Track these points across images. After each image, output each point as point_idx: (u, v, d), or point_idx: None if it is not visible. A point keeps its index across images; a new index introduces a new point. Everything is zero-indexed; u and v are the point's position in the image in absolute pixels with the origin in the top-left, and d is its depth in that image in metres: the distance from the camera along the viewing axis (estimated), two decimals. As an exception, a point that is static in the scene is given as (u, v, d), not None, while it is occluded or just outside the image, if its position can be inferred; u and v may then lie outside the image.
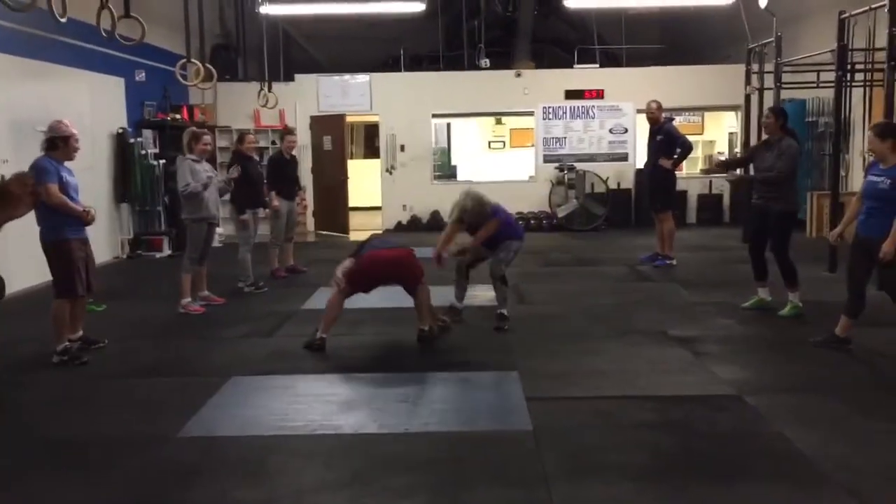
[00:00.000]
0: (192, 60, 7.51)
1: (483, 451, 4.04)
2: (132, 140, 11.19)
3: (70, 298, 5.79)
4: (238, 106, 13.95)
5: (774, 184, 6.74)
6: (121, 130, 11.07)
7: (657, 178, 9.61)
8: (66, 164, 5.86)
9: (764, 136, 7.30)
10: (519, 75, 14.42)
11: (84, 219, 5.78)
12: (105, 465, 3.94)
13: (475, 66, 14.64)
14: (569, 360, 5.71)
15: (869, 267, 5.59)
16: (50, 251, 5.74)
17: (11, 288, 7.68)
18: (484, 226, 6.83)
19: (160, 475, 3.82)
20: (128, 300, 8.14)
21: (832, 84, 9.07)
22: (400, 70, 15.01)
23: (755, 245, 7.06)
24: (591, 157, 14.41)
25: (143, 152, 11.35)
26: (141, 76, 11.60)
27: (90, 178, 9.26)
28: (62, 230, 5.70)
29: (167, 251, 11.33)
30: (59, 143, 5.79)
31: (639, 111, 14.21)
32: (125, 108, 11.30)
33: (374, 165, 15.25)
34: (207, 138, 7.69)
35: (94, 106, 10.15)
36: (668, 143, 9.47)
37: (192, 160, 7.44)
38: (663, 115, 9.75)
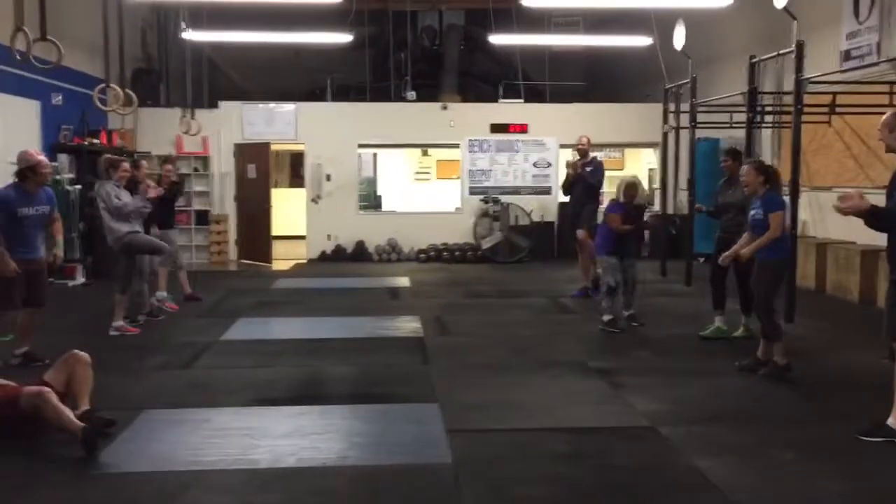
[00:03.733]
0: (112, 85, 7.37)
1: (402, 485, 4.01)
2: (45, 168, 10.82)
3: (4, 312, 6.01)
4: (159, 132, 13.69)
5: (737, 213, 7.12)
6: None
7: (582, 204, 9.80)
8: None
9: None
10: (445, 108, 14.57)
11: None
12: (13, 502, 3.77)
13: (402, 98, 14.75)
14: (489, 391, 5.73)
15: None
16: None
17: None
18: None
19: (65, 514, 3.68)
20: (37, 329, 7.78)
21: (744, 125, 9.45)
22: (327, 100, 15.01)
23: (716, 275, 7.35)
24: (516, 190, 14.62)
25: (58, 177, 11.00)
26: (58, 99, 11.29)
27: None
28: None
29: (81, 279, 10.98)
30: (27, 173, 6.00)
31: (562, 146, 14.57)
32: (39, 132, 10.96)
33: (300, 194, 15.14)
34: (126, 165, 7.56)
35: (6, 129, 9.82)
36: (593, 174, 9.68)
37: (115, 184, 7.35)
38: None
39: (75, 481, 4.02)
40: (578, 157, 9.86)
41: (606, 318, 7.74)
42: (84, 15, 8.75)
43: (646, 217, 8.61)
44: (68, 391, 4.73)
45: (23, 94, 10.24)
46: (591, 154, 9.99)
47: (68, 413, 4.43)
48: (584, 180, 9.70)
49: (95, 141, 12.09)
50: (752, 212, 6.21)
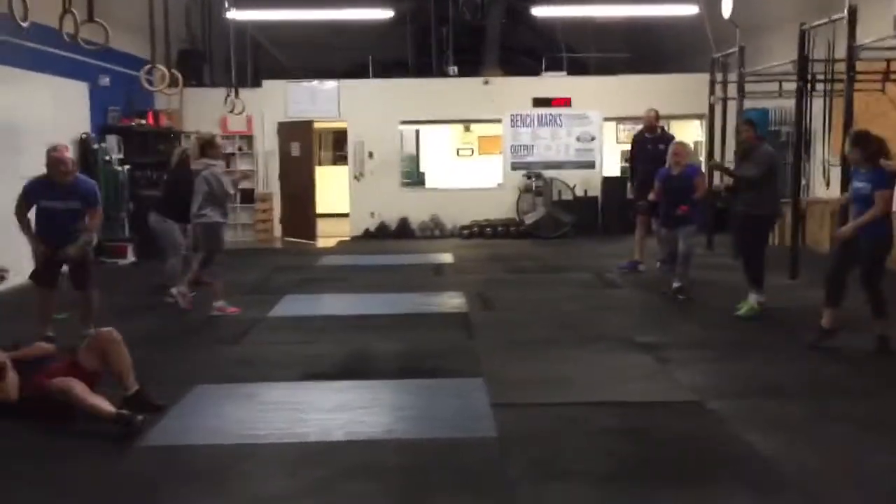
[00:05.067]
0: (158, 66, 7.45)
1: (448, 459, 4.04)
2: (96, 146, 11.04)
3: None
4: (205, 111, 13.82)
5: (751, 188, 6.94)
6: (84, 136, 10.92)
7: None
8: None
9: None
10: (487, 83, 14.47)
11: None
12: (64, 475, 3.88)
13: (443, 74, 14.68)
14: (534, 366, 5.74)
15: (850, 263, 5.90)
16: None
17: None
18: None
19: (121, 486, 3.79)
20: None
21: (794, 94, 9.23)
22: (368, 77, 15.01)
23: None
24: (559, 165, 14.50)
25: (107, 158, 11.21)
26: (105, 81, 11.45)
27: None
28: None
29: (131, 258, 11.20)
30: (49, 168, 6.19)
31: (606, 119, 14.39)
32: (89, 114, 11.15)
33: (343, 172, 15.21)
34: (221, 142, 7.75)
35: (56, 111, 10.00)
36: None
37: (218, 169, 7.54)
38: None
39: (130, 454, 4.13)
40: (643, 130, 9.77)
41: (675, 284, 7.84)
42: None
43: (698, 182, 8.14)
44: (107, 370, 4.78)
45: (72, 76, 10.40)
46: (659, 126, 9.91)
47: (97, 401, 4.45)
48: (646, 153, 9.55)
49: (143, 122, 12.28)
50: (858, 185, 5.87)
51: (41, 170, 6.30)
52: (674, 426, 4.49)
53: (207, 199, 7.41)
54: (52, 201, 6.19)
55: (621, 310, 7.66)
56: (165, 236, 7.98)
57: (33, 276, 6.44)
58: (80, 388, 4.47)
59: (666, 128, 10.94)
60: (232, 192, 7.79)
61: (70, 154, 6.39)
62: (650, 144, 9.69)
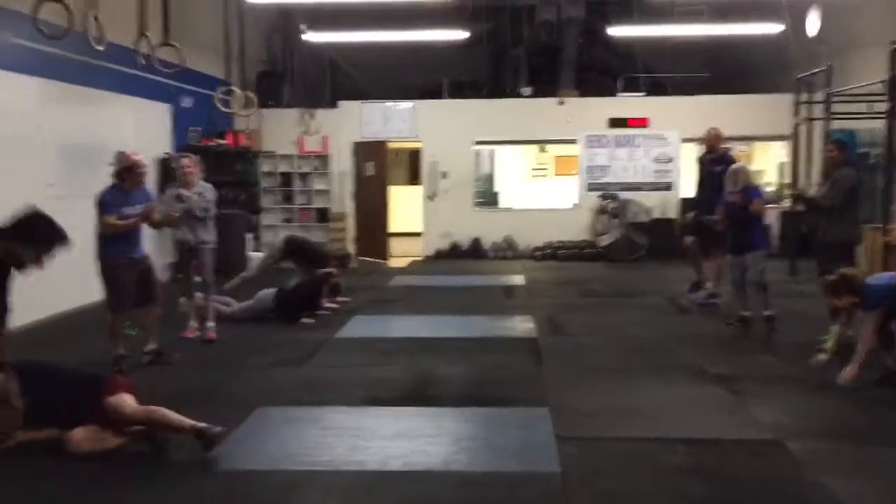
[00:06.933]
0: (232, 87, 7.58)
1: (508, 494, 3.93)
2: (175, 165, 11.30)
3: (116, 314, 6.25)
4: (282, 132, 14.09)
5: (828, 212, 6.64)
6: (165, 155, 11.21)
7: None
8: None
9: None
10: (562, 103, 14.31)
11: (144, 222, 6.35)
12: (125, 498, 3.90)
13: (518, 94, 14.59)
14: (602, 396, 5.56)
15: None
16: (100, 270, 6.25)
17: (75, 303, 7.94)
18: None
19: (179, 509, 3.78)
20: (164, 325, 8.03)
21: (884, 115, 8.81)
22: (443, 97, 15.04)
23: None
24: (635, 186, 14.23)
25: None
26: (188, 102, 11.76)
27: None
28: (110, 251, 6.20)
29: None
30: (124, 175, 6.27)
31: (684, 140, 14.05)
32: (170, 134, 11.45)
33: (417, 192, 15.25)
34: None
35: (138, 131, 10.29)
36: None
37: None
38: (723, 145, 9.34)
39: (190, 477, 4.14)
40: (706, 151, 9.38)
41: (766, 312, 7.46)
42: (212, 20, 9.06)
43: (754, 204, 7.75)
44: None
45: (155, 97, 10.71)
46: (723, 146, 9.31)
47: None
48: (711, 176, 9.11)
49: (222, 142, 12.55)
50: None
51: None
52: (748, 466, 4.26)
53: None
54: (129, 207, 6.27)
55: (695, 338, 7.38)
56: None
57: (115, 305, 6.29)
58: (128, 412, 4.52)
59: (734, 150, 10.23)
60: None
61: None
62: (709, 166, 9.28)
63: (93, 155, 9.20)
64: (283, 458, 4.40)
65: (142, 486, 4.04)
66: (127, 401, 4.52)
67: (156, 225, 6.77)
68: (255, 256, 11.11)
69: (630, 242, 13.50)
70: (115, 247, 6.21)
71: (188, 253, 7.38)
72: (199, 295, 7.44)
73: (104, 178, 8.17)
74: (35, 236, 4.57)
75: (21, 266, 4.59)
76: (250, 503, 3.84)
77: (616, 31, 13.46)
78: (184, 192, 7.25)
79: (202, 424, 4.42)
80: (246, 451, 4.51)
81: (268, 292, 8.48)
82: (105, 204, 6.18)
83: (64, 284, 8.26)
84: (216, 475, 4.19)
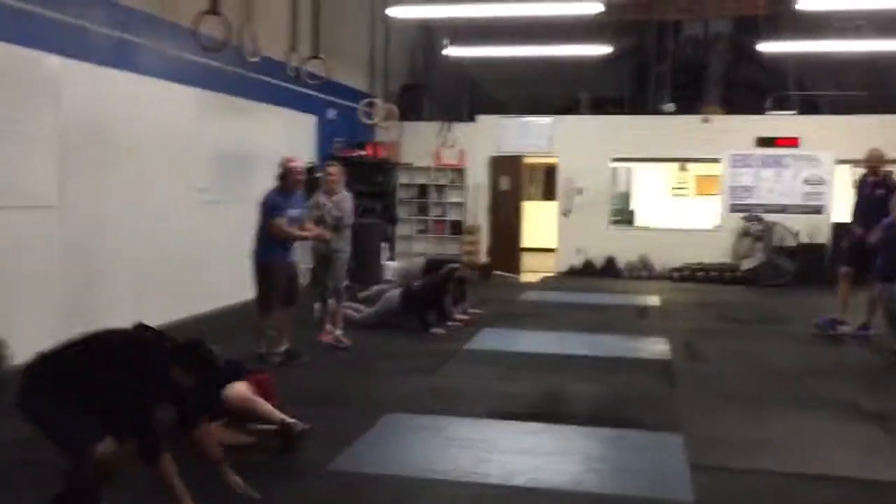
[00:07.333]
0: (375, 100, 7.75)
1: (636, 519, 3.78)
2: (319, 174, 11.68)
3: (264, 315, 6.52)
4: (420, 144, 14.32)
5: None
6: (309, 164, 11.60)
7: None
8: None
9: None
10: (706, 120, 13.83)
11: (311, 238, 6.88)
12: (256, 490, 3.99)
13: (659, 111, 14.24)
14: (739, 425, 5.28)
15: None
16: (256, 270, 6.53)
17: (224, 302, 8.25)
18: None
19: (306, 506, 3.85)
20: (302, 326, 7.88)
21: None
22: (581, 113, 14.87)
23: None
24: (782, 209, 13.55)
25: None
26: (331, 114, 12.15)
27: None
28: (269, 253, 6.48)
29: (345, 281, 11.69)
30: (285, 176, 6.58)
31: (838, 161, 13.27)
32: (315, 144, 11.86)
33: (551, 207, 15.12)
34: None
35: (286, 141, 10.71)
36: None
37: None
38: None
39: (314, 478, 4.21)
40: (866, 173, 8.74)
41: None
42: (358, 35, 9.33)
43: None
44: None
45: (302, 108, 11.12)
46: (885, 169, 8.62)
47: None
48: (871, 200, 8.36)
49: (363, 153, 12.88)
50: None
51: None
52: (903, 512, 3.94)
53: None
54: (290, 210, 6.57)
55: (843, 370, 6.92)
56: None
57: (266, 306, 6.54)
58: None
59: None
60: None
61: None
62: (868, 189, 8.63)
63: (243, 163, 9.66)
64: (407, 464, 4.42)
65: (266, 484, 4.11)
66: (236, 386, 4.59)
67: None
68: (390, 266, 11.31)
69: (775, 267, 12.86)
70: (273, 250, 6.51)
71: (322, 259, 7.57)
72: (331, 301, 7.63)
73: (253, 185, 8.59)
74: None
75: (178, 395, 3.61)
76: (371, 507, 3.85)
77: (766, 46, 12.91)
78: (323, 199, 7.46)
79: (291, 420, 4.48)
80: (373, 455, 4.56)
81: (393, 293, 8.61)
82: (274, 207, 6.48)
83: (210, 285, 8.75)
84: (339, 476, 4.24)
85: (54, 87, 6.62)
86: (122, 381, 3.33)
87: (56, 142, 6.65)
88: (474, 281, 9.23)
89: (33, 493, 3.70)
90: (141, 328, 3.60)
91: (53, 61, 6.61)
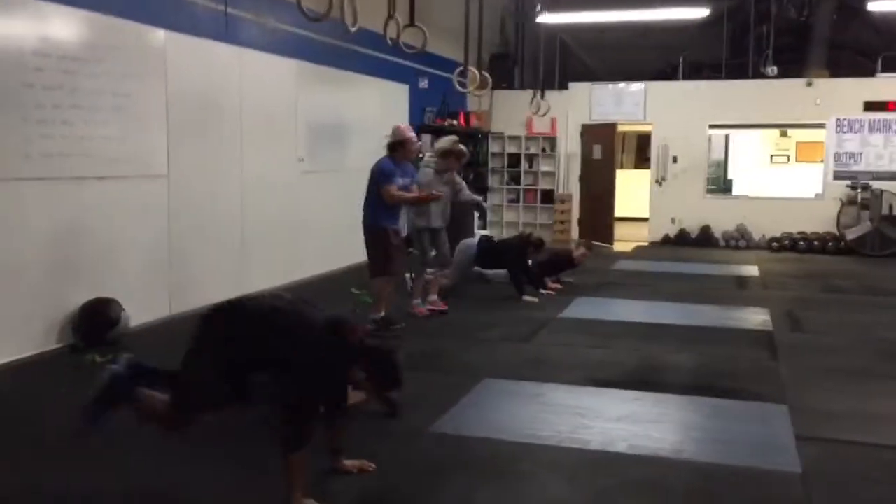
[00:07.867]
0: (470, 68, 7.75)
1: (743, 489, 3.72)
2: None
3: (381, 277, 6.68)
4: (512, 113, 14.25)
5: None
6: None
7: None
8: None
9: None
10: (810, 84, 13.30)
11: (423, 200, 6.91)
12: (360, 454, 4.09)
13: (760, 75, 13.75)
14: (846, 398, 5.12)
15: None
16: (369, 236, 6.70)
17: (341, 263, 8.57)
18: None
19: (411, 467, 3.94)
20: (399, 294, 7.86)
21: None
22: (677, 78, 14.49)
23: None
24: (892, 176, 12.96)
25: (420, 155, 11.90)
26: (424, 83, 12.19)
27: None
28: (381, 219, 6.64)
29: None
30: (397, 147, 6.71)
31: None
32: (408, 114, 11.94)
33: (644, 176, 14.86)
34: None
35: (380, 111, 10.83)
36: None
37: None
38: None
39: (415, 439, 4.30)
40: None
41: None
42: (449, 3, 9.31)
43: None
44: None
45: (395, 78, 11.21)
46: None
47: None
48: None
49: (454, 122, 12.90)
50: None
51: (365, 163, 6.88)
52: None
53: None
54: (400, 178, 6.72)
55: (961, 344, 6.62)
56: None
57: (382, 269, 6.69)
58: None
59: None
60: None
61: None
62: None
63: (339, 133, 9.83)
64: (506, 429, 4.46)
65: (367, 441, 4.20)
66: None
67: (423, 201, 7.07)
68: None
69: (882, 236, 12.34)
70: (385, 216, 6.68)
71: (424, 231, 7.49)
72: (431, 271, 7.71)
73: (347, 156, 8.74)
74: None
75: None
76: (471, 469, 3.90)
77: (878, 5, 12.28)
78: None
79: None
80: (473, 419, 4.63)
81: (470, 241, 8.64)
82: (388, 174, 6.61)
83: (308, 253, 8.99)
84: (441, 438, 4.31)
85: (161, 61, 6.87)
86: (304, 369, 3.25)
87: (164, 113, 6.91)
88: (590, 256, 9.32)
89: None
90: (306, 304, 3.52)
91: (159, 35, 6.85)
